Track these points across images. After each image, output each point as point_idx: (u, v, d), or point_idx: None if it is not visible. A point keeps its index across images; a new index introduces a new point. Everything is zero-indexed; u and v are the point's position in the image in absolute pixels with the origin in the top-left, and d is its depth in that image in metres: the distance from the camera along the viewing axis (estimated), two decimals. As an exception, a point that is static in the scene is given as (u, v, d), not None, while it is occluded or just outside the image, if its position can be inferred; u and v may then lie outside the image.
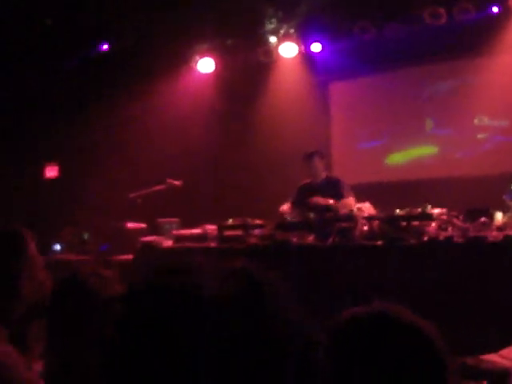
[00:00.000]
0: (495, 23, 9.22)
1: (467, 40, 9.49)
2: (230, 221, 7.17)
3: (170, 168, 9.39)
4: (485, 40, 9.39)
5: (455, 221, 6.20)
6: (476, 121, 9.96)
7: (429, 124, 10.37)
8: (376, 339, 1.34)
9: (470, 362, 5.73)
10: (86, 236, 9.05)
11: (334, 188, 7.52)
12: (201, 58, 10.78)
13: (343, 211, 6.83)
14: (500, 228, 5.98)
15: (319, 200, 7.20)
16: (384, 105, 10.60)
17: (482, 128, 9.94)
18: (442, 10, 9.19)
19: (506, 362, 5.95)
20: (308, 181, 7.78)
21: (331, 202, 7.17)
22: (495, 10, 9.24)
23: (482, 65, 9.95)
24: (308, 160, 7.62)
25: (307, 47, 10.25)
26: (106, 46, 10.89)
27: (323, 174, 7.71)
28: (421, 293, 5.71)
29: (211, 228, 7.27)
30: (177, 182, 8.33)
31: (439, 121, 10.25)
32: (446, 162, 10.10)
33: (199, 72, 10.92)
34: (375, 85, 10.74)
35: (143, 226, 8.37)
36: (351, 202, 7.19)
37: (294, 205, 7.55)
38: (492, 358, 5.96)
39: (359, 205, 7.01)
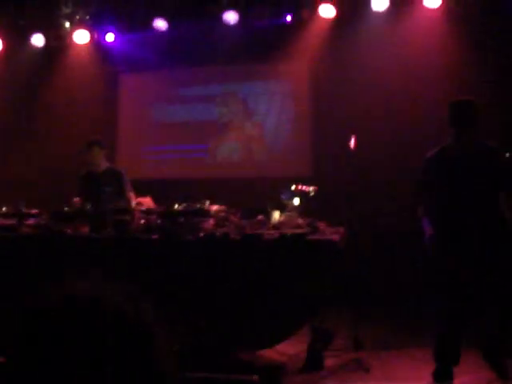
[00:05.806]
0: (288, 31, 9.45)
1: (259, 45, 9.65)
2: (4, 209, 6.77)
3: None
4: (276, 47, 9.60)
5: (232, 218, 6.24)
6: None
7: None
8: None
9: (245, 357, 5.81)
10: None
11: (115, 180, 7.46)
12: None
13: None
14: (276, 226, 6.09)
15: None
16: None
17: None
18: (236, 13, 9.29)
19: (280, 358, 6.09)
20: (86, 171, 7.62)
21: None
22: (288, 18, 9.46)
23: (270, 71, 10.13)
24: (87, 149, 7.49)
25: (101, 36, 9.95)
26: None
27: (104, 164, 7.56)
28: (195, 288, 5.69)
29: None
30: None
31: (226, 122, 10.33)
32: (228, 163, 10.19)
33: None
34: (165, 79, 10.65)
35: None
36: (132, 197, 7.22)
37: (81, 196, 7.29)
38: (268, 353, 6.09)
39: (140, 199, 6.94)
